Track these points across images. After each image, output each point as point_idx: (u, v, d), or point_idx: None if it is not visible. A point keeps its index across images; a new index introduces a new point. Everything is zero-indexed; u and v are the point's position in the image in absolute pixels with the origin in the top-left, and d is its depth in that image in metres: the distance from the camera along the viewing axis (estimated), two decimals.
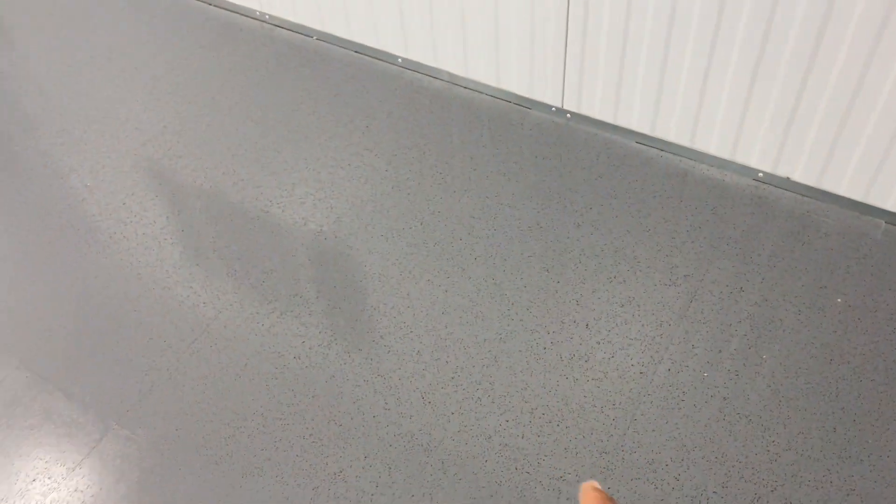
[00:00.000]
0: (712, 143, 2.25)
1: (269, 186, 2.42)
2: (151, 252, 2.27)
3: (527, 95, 2.53)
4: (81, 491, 1.77)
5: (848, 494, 1.61)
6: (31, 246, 2.33)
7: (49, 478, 1.80)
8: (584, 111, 2.43)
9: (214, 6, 3.18)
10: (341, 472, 1.75)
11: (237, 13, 3.12)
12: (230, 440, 1.83)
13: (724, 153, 2.25)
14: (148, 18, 3.18)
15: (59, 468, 1.81)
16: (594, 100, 2.38)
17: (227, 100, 2.75)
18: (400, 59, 2.74)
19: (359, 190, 2.38)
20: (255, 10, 3.03)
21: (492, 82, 2.58)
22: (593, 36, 2.22)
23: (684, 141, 2.30)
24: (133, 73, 2.92)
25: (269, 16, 3.00)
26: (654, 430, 1.75)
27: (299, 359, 1.97)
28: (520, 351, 1.93)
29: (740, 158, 2.23)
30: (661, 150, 2.35)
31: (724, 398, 1.78)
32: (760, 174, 2.22)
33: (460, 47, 2.54)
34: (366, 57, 2.83)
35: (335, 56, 2.86)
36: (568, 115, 2.48)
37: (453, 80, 2.67)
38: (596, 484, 0.93)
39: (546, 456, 1.73)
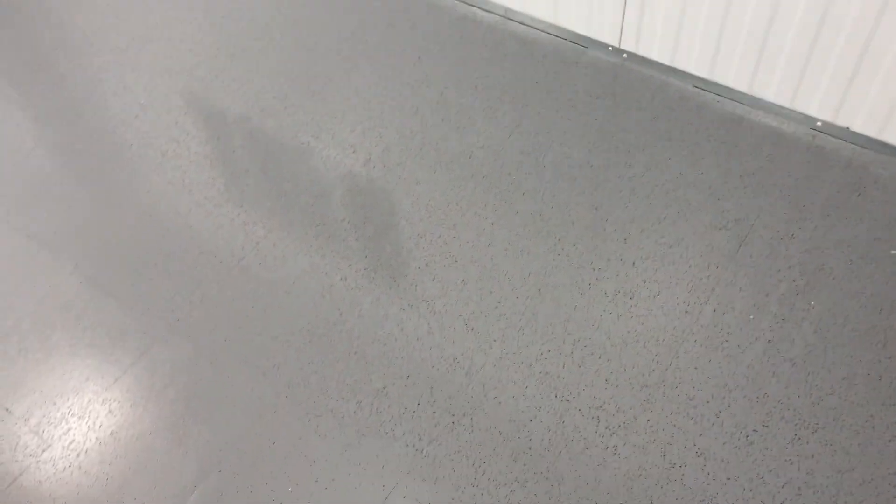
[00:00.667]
0: (771, 89, 2.20)
1: (320, 113, 2.43)
2: (203, 171, 2.30)
3: (583, 33, 2.49)
4: (132, 392, 1.83)
5: (890, 441, 1.61)
6: (87, 160, 2.38)
7: (102, 377, 1.86)
8: (642, 52, 2.39)
9: None
10: (384, 388, 1.79)
11: None
12: (277, 353, 1.87)
13: (782, 100, 2.20)
14: None
15: (112, 369, 1.87)
16: (653, 41, 2.33)
17: (279, 25, 2.74)
18: (503, 10, 2.69)
19: (408, 121, 2.37)
20: None
21: (548, 18, 2.54)
22: None
23: (742, 87, 2.25)
24: None
25: None
26: (696, 368, 1.76)
27: (346, 280, 2.00)
28: (564, 285, 1.93)
29: (799, 106, 2.18)
30: (718, 95, 2.31)
31: (769, 341, 1.78)
32: (819, 123, 2.17)
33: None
34: (467, 7, 2.80)
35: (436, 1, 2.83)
36: (625, 55, 2.43)
37: (508, 15, 2.63)
38: None
39: (586, 386, 1.75)
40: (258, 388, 1.81)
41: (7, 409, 1.82)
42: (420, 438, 1.70)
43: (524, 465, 1.65)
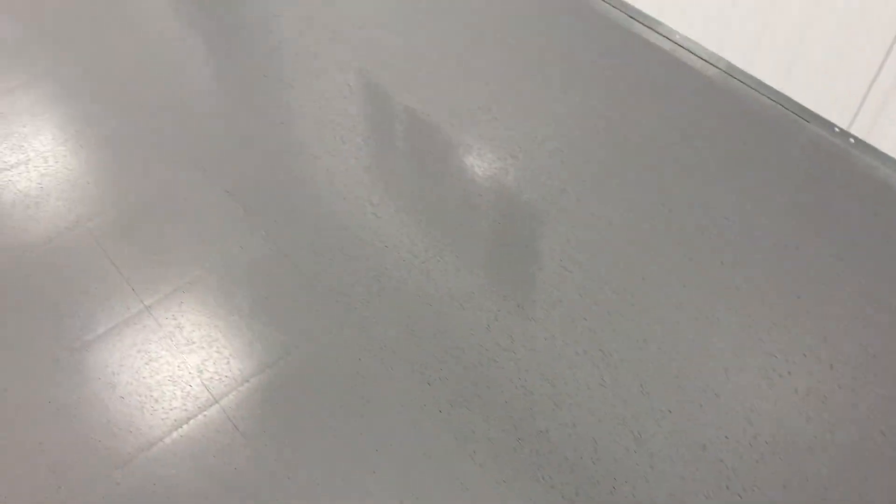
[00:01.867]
0: None
1: (519, 131, 2.40)
2: (397, 171, 2.31)
3: (810, 107, 2.35)
4: (296, 375, 1.85)
5: None
6: (237, 89, 2.43)
7: (268, 349, 1.89)
8: (873, 141, 2.23)
9: None
10: (547, 431, 1.73)
11: None
12: (444, 366, 1.85)
13: None
14: None
15: (276, 345, 1.90)
16: (889, 132, 2.18)
17: (492, 38, 2.73)
18: (678, 36, 2.61)
19: (607, 156, 2.31)
20: None
21: (774, 83, 2.41)
22: None
23: None
24: None
25: None
26: (886, 489, 1.62)
27: (523, 308, 1.96)
28: (752, 370, 1.83)
29: None
30: None
31: None
32: None
33: (752, 40, 2.39)
34: (638, 23, 2.72)
35: (600, 10, 2.77)
36: (851, 139, 2.28)
37: (731, 71, 2.52)
38: None
39: (761, 486, 1.64)
40: (420, 396, 1.79)
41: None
42: (577, 494, 1.64)
43: None
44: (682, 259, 2.05)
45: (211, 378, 1.82)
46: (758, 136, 2.35)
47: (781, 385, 1.80)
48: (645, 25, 2.70)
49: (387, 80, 2.56)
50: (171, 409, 1.77)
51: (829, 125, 2.32)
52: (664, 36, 2.66)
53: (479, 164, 2.30)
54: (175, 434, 1.73)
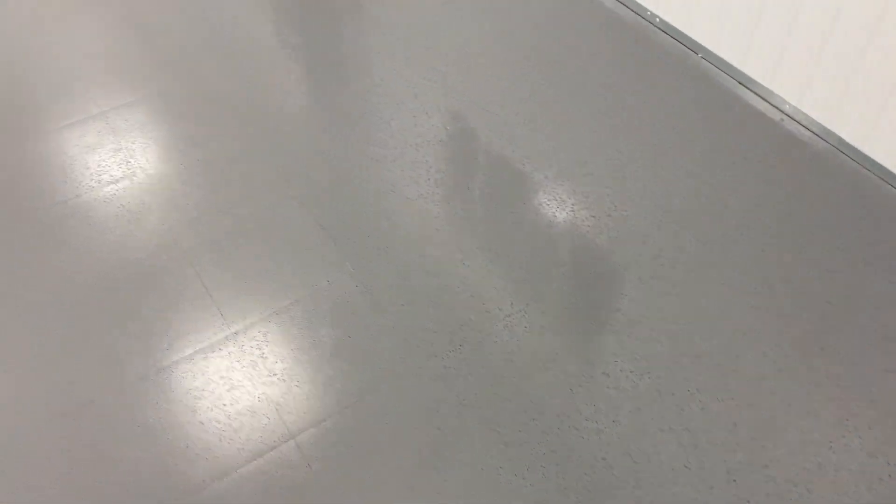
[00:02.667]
0: None
1: (615, 189, 2.35)
2: (469, 212, 2.30)
3: None
4: (373, 411, 1.83)
5: None
6: (336, 125, 2.45)
7: (344, 393, 1.88)
8: None
9: None
10: None
11: None
12: (523, 429, 1.80)
13: None
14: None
15: (354, 386, 1.89)
16: None
17: (544, 58, 2.71)
18: (788, 106, 2.53)
19: (694, 214, 2.24)
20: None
21: (890, 165, 2.31)
22: None
23: None
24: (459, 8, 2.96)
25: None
26: None
27: (608, 376, 1.90)
28: (850, 471, 1.72)
29: None
30: None
31: None
32: None
33: (869, 118, 2.29)
34: (746, 90, 2.65)
35: (708, 73, 2.71)
36: None
37: (842, 147, 2.43)
38: None
39: None
40: (497, 456, 1.75)
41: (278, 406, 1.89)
42: None
43: None
44: (780, 341, 1.96)
45: (289, 413, 1.82)
46: (867, 217, 2.25)
47: (881, 489, 1.69)
48: (753, 92, 2.63)
49: (484, 126, 2.56)
50: (248, 441, 1.77)
51: None
52: (774, 105, 2.59)
53: (573, 220, 2.27)
54: (249, 466, 1.73)
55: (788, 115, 2.54)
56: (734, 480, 1.71)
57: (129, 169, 2.42)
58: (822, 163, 2.42)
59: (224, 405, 1.84)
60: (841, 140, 2.42)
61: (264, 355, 1.94)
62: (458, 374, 1.90)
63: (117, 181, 2.38)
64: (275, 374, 1.90)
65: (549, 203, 2.32)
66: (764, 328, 1.99)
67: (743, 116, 2.58)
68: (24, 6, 3.06)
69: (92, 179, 2.38)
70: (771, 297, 2.06)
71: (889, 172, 2.32)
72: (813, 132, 2.49)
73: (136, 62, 2.81)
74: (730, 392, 1.87)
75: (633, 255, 2.17)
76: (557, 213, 2.29)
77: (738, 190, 2.34)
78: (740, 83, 2.66)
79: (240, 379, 1.89)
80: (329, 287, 2.10)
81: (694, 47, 2.79)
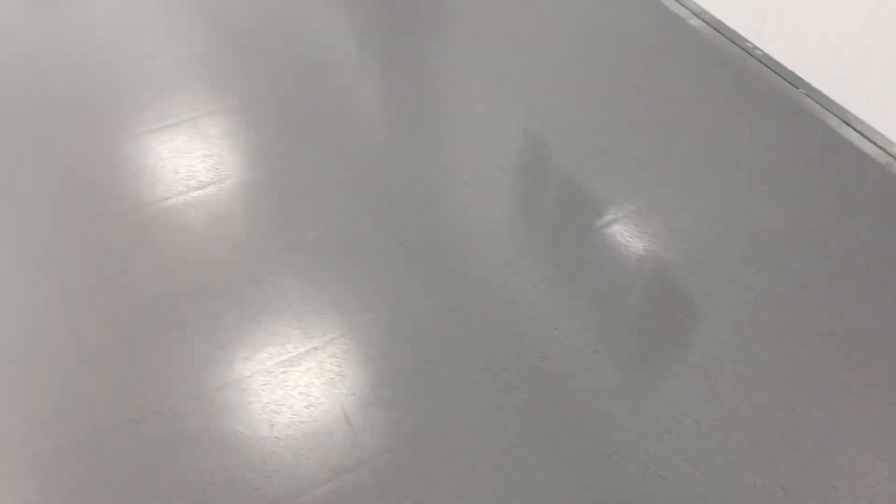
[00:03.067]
0: None
1: (708, 226, 2.26)
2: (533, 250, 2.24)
3: None
4: (410, 462, 1.79)
5: None
6: (416, 142, 2.42)
7: (389, 431, 1.84)
8: None
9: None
10: None
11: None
12: (569, 485, 1.73)
13: None
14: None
15: (397, 427, 1.85)
16: None
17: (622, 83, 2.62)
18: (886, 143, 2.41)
19: (791, 259, 2.13)
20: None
21: None
22: None
23: None
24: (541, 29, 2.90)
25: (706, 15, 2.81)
26: None
27: (700, 422, 1.82)
28: None
29: None
30: None
31: None
32: None
33: None
34: (849, 128, 2.53)
35: (808, 108, 2.59)
36: None
37: None
38: None
39: None
40: (576, 500, 1.68)
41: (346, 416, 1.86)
42: None
43: None
44: (886, 404, 1.85)
45: (368, 437, 1.79)
46: None
47: None
48: (859, 132, 2.51)
49: (571, 153, 2.50)
50: (325, 462, 1.75)
51: None
52: (882, 147, 2.46)
53: (660, 255, 2.19)
54: (323, 487, 1.71)
55: (867, 138, 2.42)
56: None
57: (217, 175, 2.44)
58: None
59: (302, 422, 1.82)
60: None
61: (343, 374, 1.91)
62: (540, 410, 1.84)
63: (205, 186, 2.40)
64: (354, 394, 1.87)
65: (636, 237, 2.24)
66: (869, 388, 1.88)
67: (847, 157, 2.46)
68: (117, 12, 3.14)
69: (180, 184, 2.40)
70: (878, 353, 1.95)
71: None
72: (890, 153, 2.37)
73: (225, 70, 2.84)
74: (828, 450, 1.76)
75: (725, 296, 2.08)
76: (644, 248, 2.21)
77: (839, 234, 2.23)
78: (845, 122, 2.55)
79: (318, 396, 1.87)
80: (409, 307, 2.06)
81: (796, 82, 2.68)
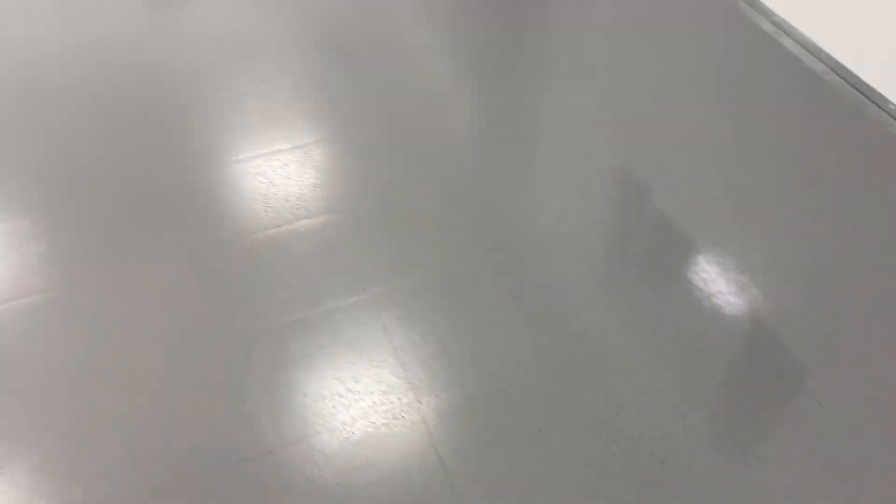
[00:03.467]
0: None
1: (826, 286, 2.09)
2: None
3: None
4: None
5: None
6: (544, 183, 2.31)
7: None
8: None
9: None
10: None
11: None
12: None
13: None
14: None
15: None
16: None
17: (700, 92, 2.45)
18: None
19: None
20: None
21: None
22: None
23: None
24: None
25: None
26: None
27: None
28: None
29: None
30: None
31: None
32: None
33: None
34: None
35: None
36: None
37: None
38: None
39: None
40: None
41: None
42: None
43: None
44: None
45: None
46: None
47: None
48: None
49: (678, 203, 2.37)
50: None
51: None
52: None
53: (765, 316, 2.03)
54: None
55: None
56: None
57: (327, 205, 2.39)
58: None
59: (404, 487, 1.73)
60: None
61: (450, 435, 1.82)
62: (655, 493, 1.71)
63: (313, 216, 2.36)
64: (460, 472, 1.78)
65: (741, 295, 2.09)
66: None
67: None
68: (230, 38, 3.15)
69: (289, 213, 2.37)
70: None
71: None
72: None
73: (336, 98, 2.81)
74: None
75: (833, 358, 1.90)
76: (747, 307, 2.06)
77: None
78: None
79: (417, 455, 1.78)
80: (522, 368, 1.96)
81: None
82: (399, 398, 1.89)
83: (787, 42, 3.04)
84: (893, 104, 2.62)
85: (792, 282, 2.16)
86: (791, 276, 2.18)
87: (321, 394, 1.89)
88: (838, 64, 2.82)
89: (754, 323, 2.06)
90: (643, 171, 2.50)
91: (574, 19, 3.26)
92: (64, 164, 2.51)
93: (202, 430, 1.81)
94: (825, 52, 2.88)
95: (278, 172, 2.50)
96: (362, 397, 1.89)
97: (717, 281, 2.17)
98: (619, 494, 1.71)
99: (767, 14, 3.15)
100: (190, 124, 2.68)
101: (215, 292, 2.13)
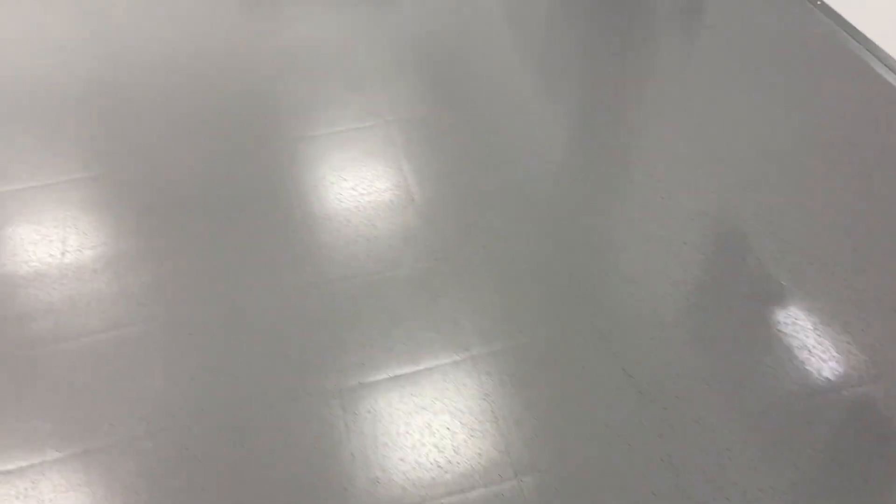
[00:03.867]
0: None
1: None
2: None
3: None
4: None
5: None
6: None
7: None
8: None
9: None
10: None
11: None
12: None
13: None
14: None
15: None
16: None
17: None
18: None
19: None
20: None
21: None
22: None
23: None
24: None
25: None
26: None
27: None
28: None
29: None
30: None
31: None
32: None
33: None
34: None
35: None
36: None
37: None
38: None
39: None
40: None
41: None
42: None
43: None
44: None
45: None
46: None
47: None
48: None
49: (772, 250, 2.18)
50: None
51: None
52: None
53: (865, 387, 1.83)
54: None
55: None
56: None
57: (427, 251, 2.30)
58: None
59: None
60: None
61: None
62: None
63: (386, 270, 2.26)
64: None
65: (831, 362, 1.90)
66: None
67: None
68: (316, 27, 3.10)
69: (390, 259, 2.28)
70: None
71: None
72: None
73: (415, 79, 2.73)
74: None
75: None
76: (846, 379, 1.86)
77: None
78: None
79: None
80: (631, 451, 1.82)
81: None
82: (500, 476, 1.77)
83: None
84: None
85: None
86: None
87: (408, 469, 1.79)
88: None
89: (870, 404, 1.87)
90: (767, 238, 2.32)
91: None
92: (169, 191, 2.49)
93: (301, 495, 1.74)
94: None
95: (380, 215, 2.42)
96: (461, 478, 1.77)
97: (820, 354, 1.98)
98: None
99: None
100: (295, 159, 2.63)
101: (313, 337, 2.06)
